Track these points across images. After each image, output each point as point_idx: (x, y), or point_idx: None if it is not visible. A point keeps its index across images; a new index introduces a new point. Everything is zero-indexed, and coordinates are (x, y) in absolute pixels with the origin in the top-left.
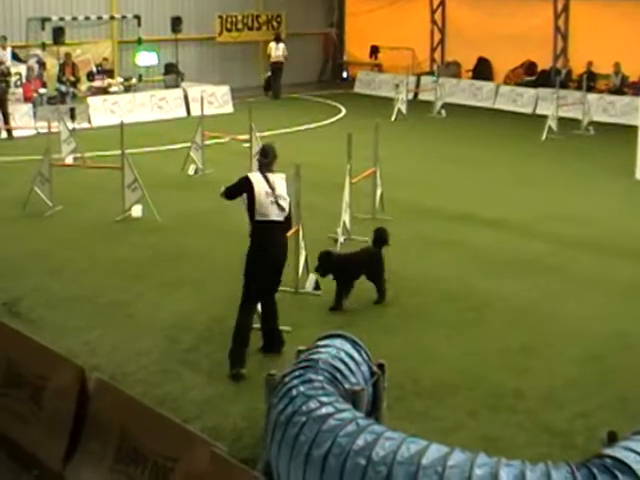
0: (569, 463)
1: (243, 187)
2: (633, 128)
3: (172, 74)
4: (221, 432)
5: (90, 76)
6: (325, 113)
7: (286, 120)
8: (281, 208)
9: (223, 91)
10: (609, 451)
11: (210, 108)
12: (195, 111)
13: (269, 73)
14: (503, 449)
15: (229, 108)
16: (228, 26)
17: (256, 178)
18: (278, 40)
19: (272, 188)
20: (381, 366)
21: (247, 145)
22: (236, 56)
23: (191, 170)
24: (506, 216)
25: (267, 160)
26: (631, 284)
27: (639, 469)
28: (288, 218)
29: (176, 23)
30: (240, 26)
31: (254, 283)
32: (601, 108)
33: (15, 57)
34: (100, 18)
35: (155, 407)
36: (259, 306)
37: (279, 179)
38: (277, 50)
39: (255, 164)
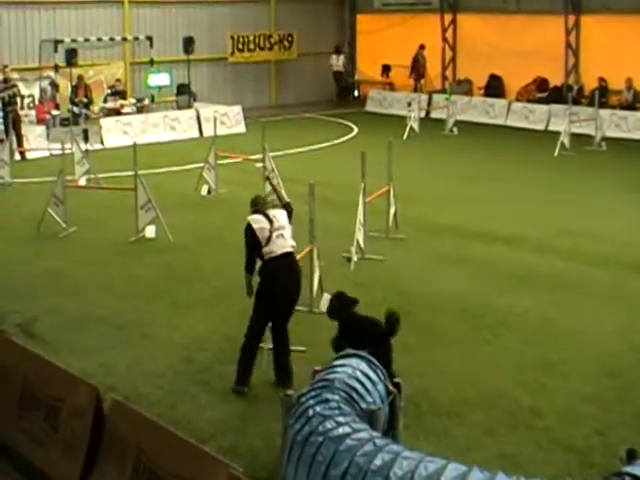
0: None
1: (251, 235)
2: None
3: (184, 94)
4: (237, 452)
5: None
6: (337, 132)
7: (298, 139)
8: (284, 238)
9: (235, 111)
10: (629, 469)
11: (222, 128)
12: (207, 131)
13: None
14: (521, 467)
15: (241, 128)
16: (240, 46)
17: (254, 219)
18: (339, 52)
19: (271, 221)
20: (397, 385)
21: (260, 165)
22: (248, 76)
23: (204, 190)
24: (520, 233)
25: (258, 207)
26: None
27: None
28: None
29: (188, 43)
30: (252, 46)
31: (264, 318)
32: (613, 124)
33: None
34: (112, 39)
35: (171, 428)
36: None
37: (278, 211)
38: (338, 60)
39: (267, 185)
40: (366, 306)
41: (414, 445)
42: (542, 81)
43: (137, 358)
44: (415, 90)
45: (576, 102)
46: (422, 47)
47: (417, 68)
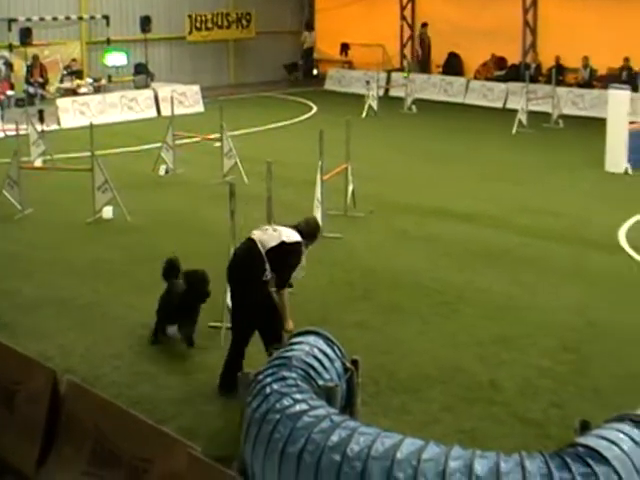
0: (543, 453)
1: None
2: (602, 121)
3: (142, 74)
4: (196, 432)
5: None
6: (296, 111)
7: (257, 118)
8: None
9: (193, 90)
10: (582, 440)
11: (180, 108)
12: (165, 111)
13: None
14: (478, 441)
15: (200, 107)
16: (198, 25)
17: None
18: (311, 29)
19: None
20: (355, 362)
21: (218, 144)
22: (206, 55)
23: (162, 170)
24: (479, 210)
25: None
26: (603, 274)
27: (611, 456)
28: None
29: (145, 23)
30: (210, 25)
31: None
32: (570, 101)
33: None
34: (68, 18)
35: (129, 408)
36: None
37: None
38: (310, 37)
39: (226, 162)
40: (325, 285)
41: (372, 421)
42: (500, 59)
43: (96, 340)
44: (423, 71)
45: (534, 80)
46: (425, 25)
47: (423, 48)
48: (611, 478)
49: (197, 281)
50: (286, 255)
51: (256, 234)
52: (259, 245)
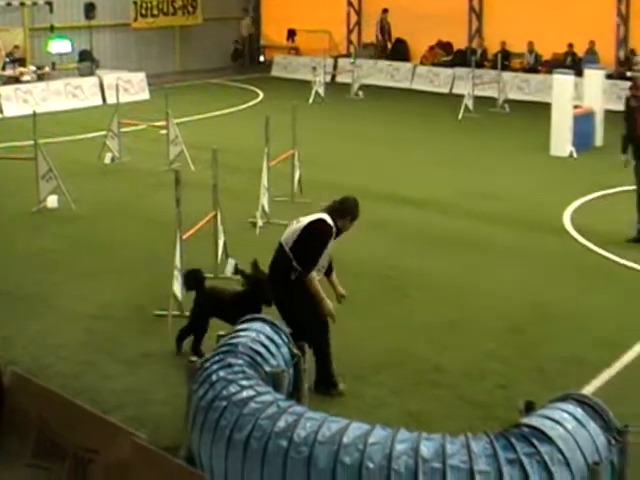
0: (488, 434)
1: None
2: (547, 105)
3: (86, 62)
4: (143, 421)
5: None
6: (242, 98)
7: (204, 105)
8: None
9: (139, 78)
10: (526, 420)
11: (126, 95)
12: (111, 99)
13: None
14: (425, 424)
15: (145, 95)
16: (143, 12)
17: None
18: (247, 14)
19: None
20: (301, 348)
21: (164, 132)
22: (152, 42)
23: (107, 159)
24: (427, 195)
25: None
26: (549, 257)
27: (555, 435)
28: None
29: (89, 9)
30: (155, 12)
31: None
32: (516, 86)
33: None
34: (10, 4)
35: (74, 399)
36: None
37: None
38: (248, 23)
39: (172, 150)
40: None
41: (320, 407)
42: (446, 44)
43: (40, 330)
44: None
45: (479, 65)
46: (385, 11)
47: (383, 34)
48: (555, 457)
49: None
50: (307, 238)
51: (283, 235)
52: (284, 246)
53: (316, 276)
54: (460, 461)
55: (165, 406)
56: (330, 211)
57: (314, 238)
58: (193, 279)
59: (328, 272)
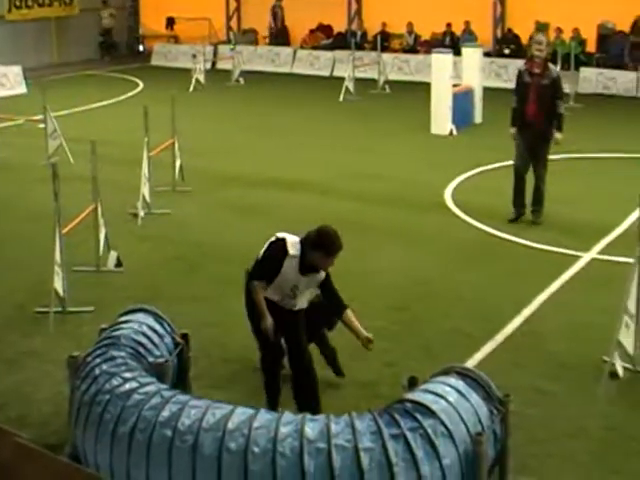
0: (372, 411)
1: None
2: (427, 85)
3: None
4: (26, 421)
5: None
6: (122, 88)
7: (83, 98)
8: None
9: (15, 71)
10: (409, 395)
11: (2, 90)
12: None
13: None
14: None
15: (22, 89)
16: (17, 3)
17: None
18: (106, 5)
19: None
20: (185, 336)
21: (42, 126)
22: (27, 34)
23: None
24: (308, 178)
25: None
26: (431, 234)
27: (438, 409)
28: None
29: None
30: (30, 2)
31: None
32: (396, 67)
33: None
34: None
35: None
36: None
37: None
38: (107, 14)
39: (51, 143)
40: (155, 261)
41: (206, 394)
42: (326, 27)
43: None
44: (281, 44)
45: (360, 47)
46: None
47: (276, 20)
48: (438, 430)
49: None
50: (267, 247)
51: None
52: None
53: (282, 302)
54: (345, 440)
55: (49, 404)
56: (303, 239)
57: (265, 251)
58: None
59: (338, 313)
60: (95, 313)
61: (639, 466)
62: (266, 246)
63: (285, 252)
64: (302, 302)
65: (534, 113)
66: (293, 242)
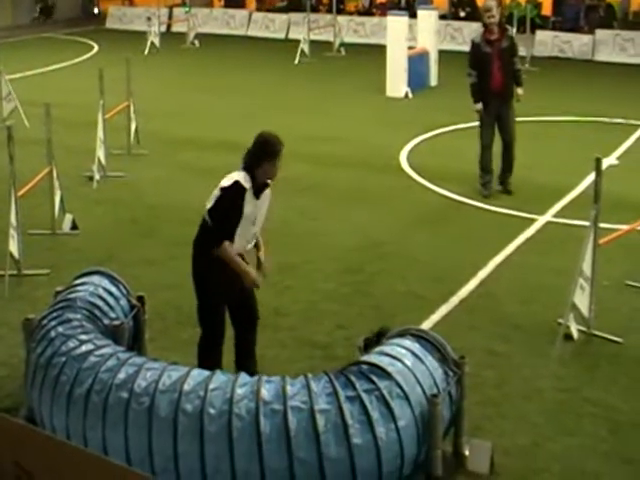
0: (328, 373)
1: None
2: (382, 47)
3: None
4: None
5: None
6: (77, 51)
7: (37, 60)
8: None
9: None
10: (365, 357)
11: None
12: None
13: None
14: (266, 367)
15: None
16: None
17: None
18: None
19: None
20: (140, 298)
21: None
22: None
23: None
24: None
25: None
26: (386, 196)
27: (394, 371)
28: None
29: None
30: None
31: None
32: (352, 30)
33: None
34: None
35: None
36: None
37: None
38: None
39: (5, 106)
40: (110, 223)
41: (161, 356)
42: None
43: None
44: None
45: (315, 10)
46: None
47: None
48: (394, 392)
49: None
50: (218, 202)
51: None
52: (205, 216)
53: (247, 245)
54: (300, 401)
55: (3, 368)
56: (247, 161)
57: (224, 201)
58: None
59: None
60: (50, 276)
61: (592, 427)
62: (220, 194)
63: (243, 189)
64: (257, 234)
65: (500, 82)
66: (242, 176)
